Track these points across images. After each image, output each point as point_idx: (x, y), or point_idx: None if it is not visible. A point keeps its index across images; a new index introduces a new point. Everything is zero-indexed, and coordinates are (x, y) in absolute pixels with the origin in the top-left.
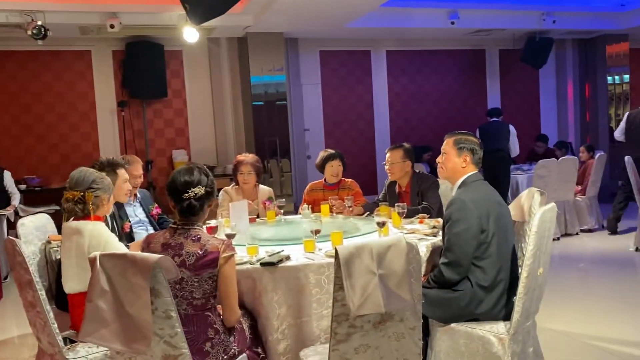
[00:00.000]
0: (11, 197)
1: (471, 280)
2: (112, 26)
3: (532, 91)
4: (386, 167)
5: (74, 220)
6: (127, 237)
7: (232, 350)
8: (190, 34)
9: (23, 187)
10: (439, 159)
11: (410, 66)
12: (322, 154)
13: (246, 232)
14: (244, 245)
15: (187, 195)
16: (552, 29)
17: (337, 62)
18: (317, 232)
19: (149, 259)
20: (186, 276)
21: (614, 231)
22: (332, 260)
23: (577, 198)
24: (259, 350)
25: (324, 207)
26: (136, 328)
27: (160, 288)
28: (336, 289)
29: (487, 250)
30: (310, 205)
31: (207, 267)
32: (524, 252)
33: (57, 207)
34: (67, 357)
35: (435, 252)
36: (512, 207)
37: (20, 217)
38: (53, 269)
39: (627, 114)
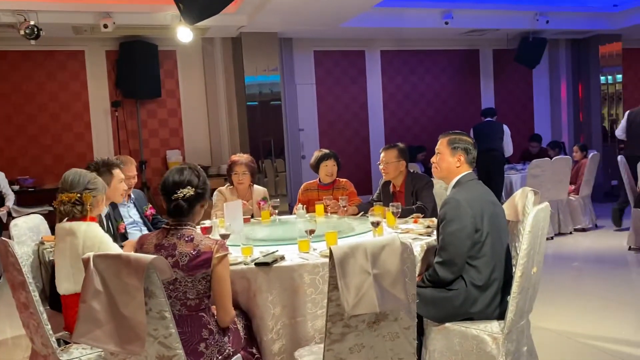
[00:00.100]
0: (5, 198)
1: (465, 279)
2: (105, 26)
3: (526, 91)
4: (380, 166)
5: (67, 221)
6: (121, 237)
7: (227, 351)
8: (184, 34)
9: (16, 187)
10: (433, 159)
11: (405, 66)
12: (317, 153)
13: (240, 232)
14: (239, 246)
15: (175, 195)
16: (545, 29)
17: (332, 62)
18: (311, 232)
19: (143, 260)
20: (180, 277)
21: (618, 224)
22: (327, 260)
23: (571, 197)
24: (254, 350)
25: (319, 207)
26: (130, 329)
27: (154, 289)
28: (331, 288)
29: (481, 250)
30: (304, 205)
31: (200, 268)
32: (518, 252)
33: (51, 208)
34: (60, 358)
35: (429, 251)
36: (506, 207)
37: (14, 217)
38: (46, 270)
39: (627, 112)
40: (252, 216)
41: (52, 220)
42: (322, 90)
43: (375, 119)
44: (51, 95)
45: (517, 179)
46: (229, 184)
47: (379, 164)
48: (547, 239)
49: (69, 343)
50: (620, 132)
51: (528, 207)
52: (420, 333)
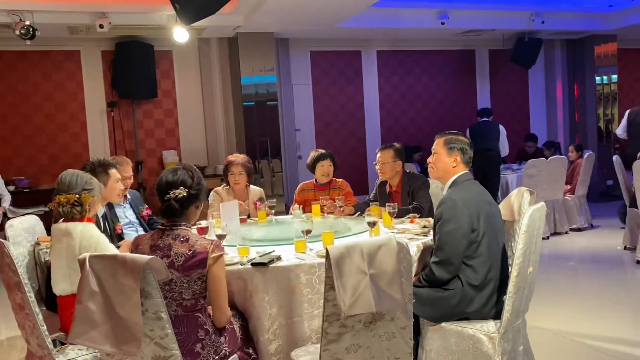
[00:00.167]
0: (1, 199)
1: (462, 279)
2: (101, 26)
3: (522, 91)
4: (377, 167)
5: (63, 221)
6: (118, 238)
7: (223, 351)
8: (181, 34)
9: (12, 188)
10: (429, 159)
11: (401, 66)
12: (313, 154)
13: (237, 232)
14: (235, 246)
15: (168, 196)
16: (541, 29)
17: (328, 63)
18: (308, 232)
19: (139, 260)
20: (175, 277)
21: (625, 221)
22: (323, 260)
23: (566, 197)
24: (250, 350)
25: (315, 207)
26: (126, 329)
27: (150, 289)
28: (327, 289)
29: (478, 249)
30: (301, 206)
31: (196, 268)
32: (514, 251)
33: (47, 209)
34: (56, 359)
35: (426, 251)
36: (502, 207)
37: (9, 218)
38: (42, 271)
39: (628, 111)
40: (249, 216)
41: (47, 220)
42: (319, 91)
43: (372, 119)
44: (47, 95)
45: (513, 179)
46: (225, 184)
47: (375, 164)
48: (543, 238)
49: (65, 344)
50: (621, 131)
51: (524, 206)
52: (417, 333)
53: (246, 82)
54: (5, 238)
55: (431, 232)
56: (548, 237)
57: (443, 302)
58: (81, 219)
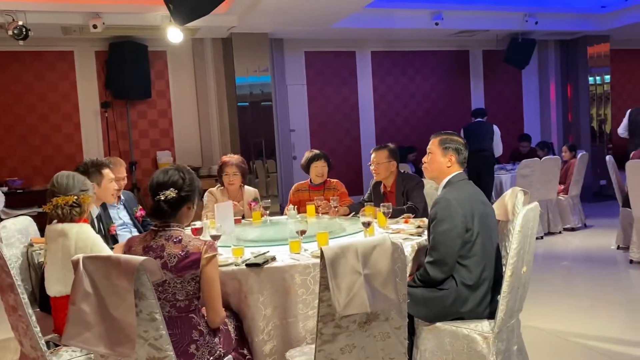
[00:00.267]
0: None
1: (456, 279)
2: (95, 26)
3: (515, 91)
4: (371, 167)
5: (58, 222)
6: (112, 239)
7: (218, 352)
8: (175, 34)
9: (5, 189)
10: (424, 159)
11: (395, 67)
12: (307, 154)
13: (231, 233)
14: (230, 247)
15: (157, 197)
16: (534, 30)
17: (322, 63)
18: (302, 232)
19: (133, 261)
20: (168, 278)
21: None
22: (318, 260)
23: (560, 197)
24: (245, 351)
25: (310, 208)
26: (120, 331)
27: (144, 290)
28: (322, 289)
29: (472, 249)
30: (296, 206)
31: (189, 269)
32: (508, 251)
33: (40, 209)
34: None
35: (420, 251)
36: (496, 207)
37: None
38: (36, 272)
39: (629, 111)
40: (243, 217)
41: (41, 222)
42: (313, 91)
43: (366, 119)
44: (40, 96)
45: (507, 179)
46: (219, 184)
47: (370, 164)
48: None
49: (59, 345)
50: (622, 130)
51: (518, 206)
52: (411, 333)
53: (240, 83)
54: None
55: (425, 232)
56: (542, 237)
57: (437, 302)
58: (77, 220)
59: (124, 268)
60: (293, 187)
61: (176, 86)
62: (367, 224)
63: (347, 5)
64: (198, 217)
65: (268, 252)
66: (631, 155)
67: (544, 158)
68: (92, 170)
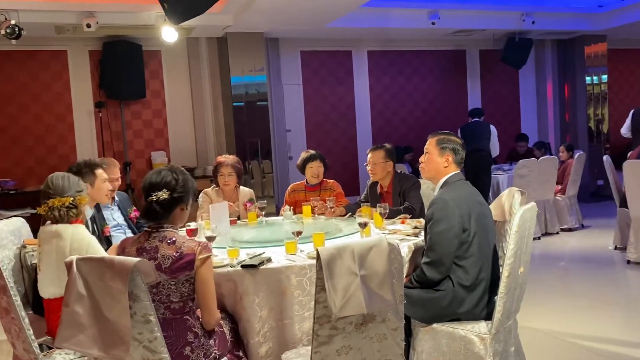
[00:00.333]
0: None
1: (453, 279)
2: (88, 25)
3: (512, 91)
4: (368, 167)
5: (52, 223)
6: (106, 241)
7: (213, 354)
8: (169, 33)
9: None
10: (421, 159)
11: (392, 66)
12: (303, 154)
13: (227, 234)
14: (225, 248)
15: (150, 198)
16: (531, 29)
17: (318, 63)
18: (298, 233)
19: (127, 263)
20: (163, 280)
21: None
22: (314, 261)
23: (557, 197)
24: (240, 353)
25: (306, 209)
26: (114, 333)
27: (138, 292)
28: (318, 290)
29: (469, 250)
30: (291, 207)
31: (183, 270)
32: (505, 252)
33: (33, 211)
34: None
35: (417, 252)
36: (493, 207)
37: None
38: (29, 274)
39: (632, 111)
40: (239, 218)
41: (34, 223)
42: (309, 91)
43: (363, 119)
44: (33, 96)
45: (504, 179)
46: (214, 185)
47: (366, 164)
48: (534, 238)
49: (52, 348)
50: (625, 130)
51: (515, 207)
52: (408, 334)
53: (236, 82)
54: None
55: (422, 233)
56: (539, 238)
57: (434, 303)
58: (73, 221)
59: (118, 269)
60: (289, 188)
61: (171, 86)
62: (363, 225)
63: (343, 5)
64: (193, 218)
65: (264, 253)
66: (628, 155)
67: (541, 158)
68: (85, 170)
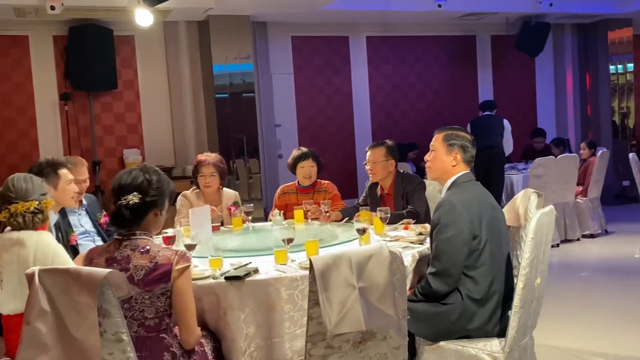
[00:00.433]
0: None
1: (462, 292)
2: (52, 7)
3: (528, 81)
4: (367, 166)
5: (12, 230)
6: (73, 250)
7: None
8: (144, 17)
9: None
10: (426, 157)
11: (393, 54)
12: (294, 153)
13: (208, 242)
14: (207, 257)
15: (119, 202)
16: (549, 12)
17: (311, 49)
18: (289, 241)
19: (96, 275)
20: (136, 293)
21: None
22: (307, 272)
23: (578, 200)
24: None
25: (298, 213)
26: (82, 353)
27: (109, 307)
28: (311, 305)
29: (479, 259)
30: (282, 211)
31: (158, 282)
32: (520, 261)
33: None
34: None
35: (422, 261)
36: (507, 211)
37: None
38: None
39: None
40: (222, 223)
41: None
42: (301, 81)
43: (361, 113)
44: None
45: (518, 180)
46: (194, 187)
47: (365, 163)
48: (552, 246)
49: None
50: None
51: (531, 211)
52: (412, 353)
53: (219, 72)
54: None
55: (427, 240)
56: (558, 245)
57: (441, 318)
58: (37, 228)
59: (85, 282)
60: (279, 190)
61: (145, 76)
62: (362, 231)
63: None
64: (170, 224)
65: (250, 263)
66: None
67: (559, 156)
68: (47, 170)
